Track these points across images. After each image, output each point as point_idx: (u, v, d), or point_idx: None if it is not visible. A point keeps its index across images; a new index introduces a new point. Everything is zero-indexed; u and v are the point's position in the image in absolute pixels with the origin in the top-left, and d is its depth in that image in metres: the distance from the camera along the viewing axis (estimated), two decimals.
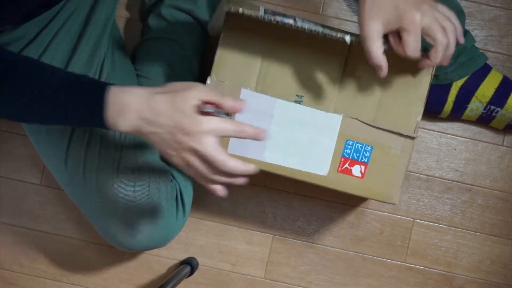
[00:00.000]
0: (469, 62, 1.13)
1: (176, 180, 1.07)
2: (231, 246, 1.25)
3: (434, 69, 0.91)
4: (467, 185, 1.24)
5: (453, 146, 1.23)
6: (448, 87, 1.13)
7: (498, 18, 1.22)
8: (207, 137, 0.71)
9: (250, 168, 0.74)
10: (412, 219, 1.24)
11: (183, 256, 1.25)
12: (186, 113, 0.71)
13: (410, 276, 1.24)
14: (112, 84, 0.74)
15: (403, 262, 1.24)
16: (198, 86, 0.74)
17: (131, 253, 1.25)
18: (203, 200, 1.22)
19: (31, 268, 1.26)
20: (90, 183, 0.98)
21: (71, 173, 0.99)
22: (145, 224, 1.02)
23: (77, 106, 0.73)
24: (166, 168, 1.05)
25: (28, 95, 0.73)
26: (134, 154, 1.00)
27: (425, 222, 1.24)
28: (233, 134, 0.74)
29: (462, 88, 1.13)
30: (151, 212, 1.02)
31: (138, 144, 1.00)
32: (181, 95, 0.72)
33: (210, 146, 0.71)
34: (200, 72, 1.13)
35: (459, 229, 1.24)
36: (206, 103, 0.73)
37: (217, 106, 0.73)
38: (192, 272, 1.23)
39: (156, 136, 0.73)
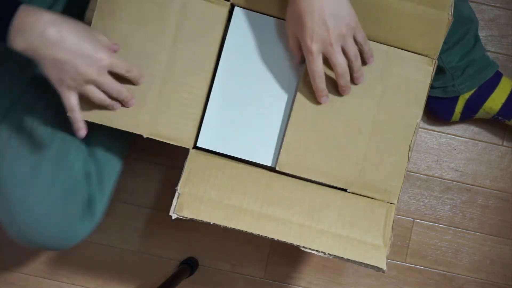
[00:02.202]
0: (476, 74, 1.11)
1: (90, 185, 1.02)
2: (231, 246, 1.25)
3: (434, 71, 0.91)
4: (467, 185, 1.24)
5: (453, 146, 1.23)
6: (455, 99, 1.13)
7: (498, 18, 1.22)
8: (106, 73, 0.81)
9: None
10: (412, 219, 1.23)
11: (183, 256, 1.25)
12: (93, 45, 0.78)
13: (410, 276, 1.24)
14: (23, 3, 0.76)
15: (403, 262, 1.24)
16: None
17: (131, 254, 1.25)
18: None
19: (31, 268, 1.26)
20: (8, 161, 0.92)
21: None
22: (54, 220, 0.95)
23: None
24: (85, 170, 1.00)
25: None
26: (60, 148, 0.95)
27: (425, 222, 1.24)
28: (122, 70, 0.82)
29: (469, 100, 1.13)
30: (63, 209, 0.96)
31: (67, 139, 0.96)
32: (93, 38, 0.79)
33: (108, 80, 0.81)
34: None
35: (459, 229, 1.24)
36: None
37: None
38: (192, 272, 1.23)
39: (54, 62, 0.77)
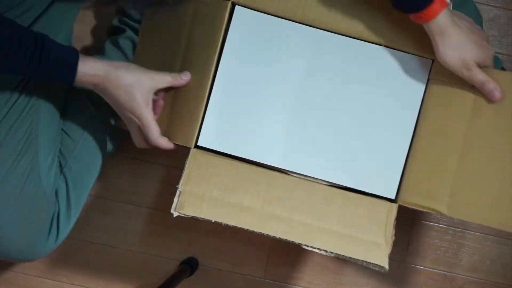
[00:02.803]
0: None
1: (58, 203, 1.02)
2: (231, 246, 1.25)
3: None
4: None
5: None
6: None
7: (498, 18, 1.22)
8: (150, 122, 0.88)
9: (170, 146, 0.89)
10: (412, 219, 1.24)
11: (183, 256, 1.25)
12: (138, 103, 0.87)
13: (410, 276, 1.24)
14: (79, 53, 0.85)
15: (403, 262, 1.24)
16: (151, 74, 0.87)
17: (131, 254, 1.25)
18: None
19: (31, 268, 1.26)
20: None
21: None
22: (17, 233, 0.96)
23: (50, 68, 0.82)
24: (54, 187, 1.01)
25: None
26: (29, 161, 0.95)
27: (425, 222, 1.24)
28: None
29: None
30: (26, 223, 0.96)
31: (36, 155, 0.96)
32: (139, 86, 0.86)
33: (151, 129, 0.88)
34: None
35: (459, 229, 1.24)
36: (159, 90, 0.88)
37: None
38: (192, 272, 1.23)
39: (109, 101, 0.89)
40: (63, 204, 1.02)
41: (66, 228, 1.03)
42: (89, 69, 0.84)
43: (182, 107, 0.89)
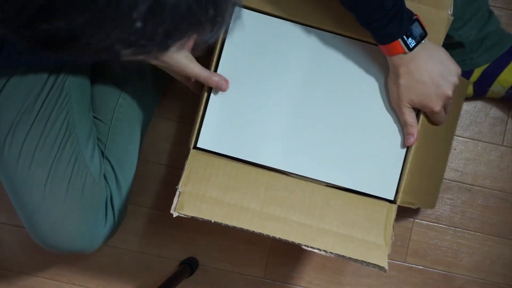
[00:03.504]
0: (494, 46, 1.12)
1: (109, 186, 1.04)
2: (231, 246, 1.25)
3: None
4: (467, 185, 1.24)
5: (453, 146, 1.23)
6: (470, 72, 1.14)
7: (498, 18, 1.22)
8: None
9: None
10: (412, 219, 1.24)
11: (183, 256, 1.25)
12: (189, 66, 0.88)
13: (410, 276, 1.24)
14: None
15: (403, 262, 1.24)
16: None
17: (131, 254, 1.25)
18: None
19: (31, 268, 1.26)
20: (22, 169, 0.94)
21: (8, 156, 0.95)
22: (72, 224, 0.98)
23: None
24: (102, 173, 1.02)
25: None
26: (75, 151, 0.97)
27: (425, 222, 1.24)
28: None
29: (484, 72, 1.13)
30: (80, 214, 0.98)
31: (81, 142, 0.98)
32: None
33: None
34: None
35: (459, 229, 1.24)
36: None
37: None
38: (192, 272, 1.23)
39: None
40: (114, 187, 1.04)
41: (121, 210, 1.05)
42: None
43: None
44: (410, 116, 0.86)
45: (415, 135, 0.87)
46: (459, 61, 1.15)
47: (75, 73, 0.99)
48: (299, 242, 0.84)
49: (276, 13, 0.88)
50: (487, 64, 1.13)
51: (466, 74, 1.14)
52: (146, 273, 1.25)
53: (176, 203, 0.84)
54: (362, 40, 0.88)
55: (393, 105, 0.88)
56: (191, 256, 1.25)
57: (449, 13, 0.87)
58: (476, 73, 1.14)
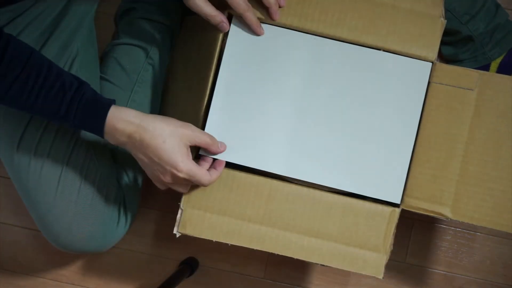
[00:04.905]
0: (505, 37, 1.11)
1: (121, 187, 1.05)
2: (231, 246, 1.24)
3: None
4: None
5: None
6: (487, 67, 1.13)
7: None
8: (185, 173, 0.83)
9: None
10: (412, 219, 1.23)
11: (183, 256, 1.25)
12: (182, 153, 0.81)
13: (410, 276, 1.24)
14: (113, 102, 0.82)
15: (403, 262, 1.24)
16: (191, 127, 0.82)
17: (131, 254, 1.25)
18: None
19: (31, 268, 1.26)
20: (34, 170, 0.95)
21: (20, 158, 0.95)
22: (85, 225, 0.99)
23: (82, 116, 0.80)
24: (114, 172, 1.03)
25: (32, 88, 0.78)
26: (86, 152, 0.98)
27: (425, 222, 1.23)
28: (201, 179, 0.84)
29: (501, 64, 1.13)
30: (92, 214, 0.99)
31: (91, 142, 0.99)
32: (176, 134, 0.81)
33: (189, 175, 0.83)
34: (163, 81, 1.10)
35: (459, 229, 1.24)
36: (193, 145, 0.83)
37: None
38: (192, 272, 1.23)
39: (141, 160, 0.83)
40: (127, 187, 1.05)
41: (132, 209, 1.06)
42: (124, 115, 0.81)
43: (182, 117, 0.88)
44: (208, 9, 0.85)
45: (223, 18, 0.86)
46: (471, 58, 1.15)
47: (85, 62, 1.00)
48: (297, 257, 0.86)
49: (276, 23, 0.88)
50: (501, 57, 1.12)
51: (483, 69, 1.14)
52: (146, 273, 1.25)
53: (179, 222, 0.86)
54: (363, 44, 0.87)
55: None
56: (191, 256, 1.25)
57: (442, 16, 0.87)
58: (493, 67, 1.13)
